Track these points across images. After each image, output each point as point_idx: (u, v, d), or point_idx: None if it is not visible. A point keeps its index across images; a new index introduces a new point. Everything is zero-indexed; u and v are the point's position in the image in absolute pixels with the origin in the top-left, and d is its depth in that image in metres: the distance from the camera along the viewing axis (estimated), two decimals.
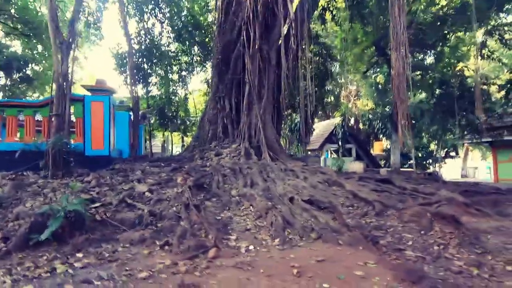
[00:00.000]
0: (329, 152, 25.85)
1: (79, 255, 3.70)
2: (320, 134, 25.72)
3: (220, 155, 8.54)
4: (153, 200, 5.42)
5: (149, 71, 13.59)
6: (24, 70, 19.87)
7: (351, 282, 2.81)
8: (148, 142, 16.81)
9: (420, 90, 13.53)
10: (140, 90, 13.85)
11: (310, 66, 11.39)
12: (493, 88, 14.49)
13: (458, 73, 11.40)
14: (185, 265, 3.26)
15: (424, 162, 19.49)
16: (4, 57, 18.26)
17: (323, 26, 13.17)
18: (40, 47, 18.07)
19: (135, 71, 11.48)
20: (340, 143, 22.31)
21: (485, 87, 12.42)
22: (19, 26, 17.28)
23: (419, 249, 4.21)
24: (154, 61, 13.28)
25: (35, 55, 18.36)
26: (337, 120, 24.16)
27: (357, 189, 6.98)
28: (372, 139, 27.59)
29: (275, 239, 4.21)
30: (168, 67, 14.68)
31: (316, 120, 31.66)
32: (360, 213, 5.84)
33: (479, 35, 12.18)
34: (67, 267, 3.33)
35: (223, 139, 9.39)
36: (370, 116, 21.04)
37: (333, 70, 16.69)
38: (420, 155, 21.43)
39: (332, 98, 28.52)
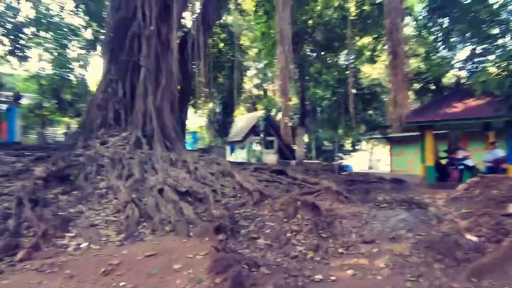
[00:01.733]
0: (253, 144, 26.35)
1: None
2: (245, 126, 26.01)
3: (106, 144, 7.70)
4: None
5: (27, 42, 11.28)
6: None
7: (159, 277, 2.61)
8: (42, 128, 14.54)
9: (322, 87, 14.56)
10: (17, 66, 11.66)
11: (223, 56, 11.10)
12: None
13: (354, 74, 12.59)
14: None
15: (334, 155, 21.23)
16: None
17: (232, 16, 13.02)
18: None
19: None
20: (262, 135, 22.83)
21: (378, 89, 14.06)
22: None
23: (272, 237, 4.32)
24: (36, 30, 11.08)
25: None
26: (260, 113, 24.69)
27: (246, 180, 7.01)
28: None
29: (120, 235, 3.83)
30: (63, 41, 12.69)
31: (245, 112, 31.99)
32: (239, 203, 5.84)
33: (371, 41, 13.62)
34: None
35: (114, 127, 8.52)
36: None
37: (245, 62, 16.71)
38: (331, 148, 23.29)
39: (257, 91, 29.09)
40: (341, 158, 21.92)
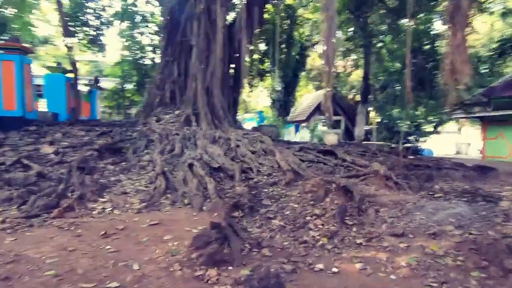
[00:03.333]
0: (319, 123, 25.34)
1: None
2: (311, 105, 25.08)
3: (160, 121, 8.37)
4: (54, 161, 5.38)
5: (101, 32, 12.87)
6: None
7: (145, 245, 2.72)
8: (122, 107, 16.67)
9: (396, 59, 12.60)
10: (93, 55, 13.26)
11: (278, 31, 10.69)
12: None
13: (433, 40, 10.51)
14: (8, 223, 3.23)
15: (409, 137, 18.81)
16: None
17: None
18: None
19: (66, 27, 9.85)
20: (326, 114, 21.69)
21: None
22: None
23: (288, 219, 4.08)
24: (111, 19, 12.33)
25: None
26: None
27: (284, 159, 6.78)
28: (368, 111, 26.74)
29: (143, 203, 4.14)
30: (137, 29, 14.04)
31: (313, 91, 30.72)
32: (271, 182, 5.71)
33: None
34: None
35: (170, 105, 9.15)
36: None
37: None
38: (408, 129, 20.72)
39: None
40: (417, 141, 19.32)
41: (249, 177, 5.85)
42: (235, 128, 8.76)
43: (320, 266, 2.94)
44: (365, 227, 3.85)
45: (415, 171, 7.38)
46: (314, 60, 23.00)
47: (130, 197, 4.37)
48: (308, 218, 4.09)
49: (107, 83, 16.54)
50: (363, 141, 14.14)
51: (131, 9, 14.27)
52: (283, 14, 13.57)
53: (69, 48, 8.44)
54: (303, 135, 22.30)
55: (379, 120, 21.62)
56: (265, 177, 6.02)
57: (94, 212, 3.76)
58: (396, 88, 13.12)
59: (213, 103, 8.90)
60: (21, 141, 5.91)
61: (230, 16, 10.84)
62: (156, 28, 15.84)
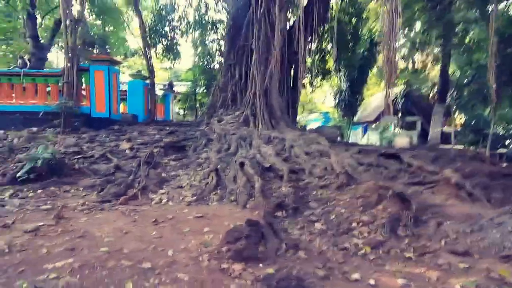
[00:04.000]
0: (390, 124, 23.37)
1: (39, 191, 4.70)
2: (380, 105, 23.30)
3: (221, 122, 8.88)
4: (128, 156, 6.22)
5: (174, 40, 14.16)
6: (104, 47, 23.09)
7: (184, 235, 2.97)
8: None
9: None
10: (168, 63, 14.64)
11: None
12: None
13: None
14: (87, 205, 3.89)
15: (503, 141, 15.91)
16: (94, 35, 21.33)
17: None
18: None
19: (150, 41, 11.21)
20: (399, 115, 19.91)
21: None
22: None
23: (332, 223, 3.92)
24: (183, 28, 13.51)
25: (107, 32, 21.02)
26: (399, 89, 21.35)
27: (339, 161, 6.51)
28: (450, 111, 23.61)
29: (194, 197, 4.48)
30: (204, 36, 15.12)
31: (382, 89, 28.49)
32: (322, 184, 5.57)
33: None
34: (17, 197, 4.34)
35: (231, 107, 9.62)
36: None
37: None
38: (503, 131, 17.59)
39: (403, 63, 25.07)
40: None
41: (300, 178, 5.80)
42: (292, 129, 8.74)
43: (356, 276, 2.76)
44: (420, 241, 3.47)
45: (503, 181, 6.27)
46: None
47: (184, 191, 4.78)
48: (354, 224, 3.88)
49: (181, 87, 18.27)
50: (441, 144, 12.52)
51: (204, 20, 15.43)
52: (350, 10, 12.96)
53: (148, 57, 9.63)
54: (372, 137, 20.85)
55: (463, 121, 18.85)
56: (316, 179, 5.88)
57: (152, 202, 4.24)
58: (485, 83, 11.24)
59: (271, 104, 9.05)
60: (107, 138, 7.00)
61: (291, 17, 10.85)
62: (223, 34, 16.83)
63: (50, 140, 6.12)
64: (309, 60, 10.50)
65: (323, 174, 6.17)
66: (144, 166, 5.38)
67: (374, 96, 25.15)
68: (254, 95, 9.21)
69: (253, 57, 9.31)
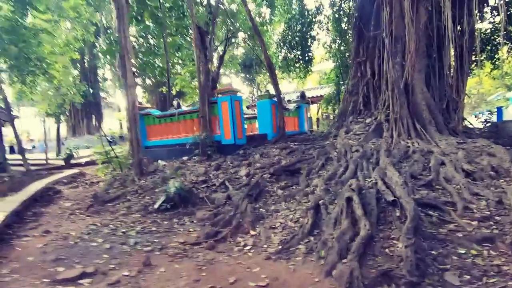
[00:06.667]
0: None
1: (165, 222, 5.45)
2: None
3: (349, 132, 7.56)
4: (243, 183, 6.29)
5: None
6: None
7: None
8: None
9: None
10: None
11: None
12: None
13: None
14: (180, 247, 4.07)
15: None
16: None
17: None
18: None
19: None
20: None
21: None
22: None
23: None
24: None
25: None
26: None
27: None
28: None
29: (279, 246, 3.83)
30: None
31: None
32: (481, 234, 3.54)
33: None
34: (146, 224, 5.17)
35: (363, 112, 8.00)
36: None
37: None
38: None
39: None
40: None
41: (444, 219, 3.93)
42: (448, 134, 6.22)
43: None
44: None
45: None
46: None
47: (274, 234, 4.21)
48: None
49: (323, 90, 17.50)
50: None
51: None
52: None
53: (271, 71, 9.76)
54: None
55: None
56: (475, 222, 3.80)
57: (235, 249, 3.94)
58: None
59: (414, 103, 6.84)
60: (230, 164, 7.45)
61: None
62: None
63: (189, 170, 7.16)
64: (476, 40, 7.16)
65: (492, 213, 3.95)
66: (246, 198, 5.21)
67: None
68: (391, 95, 7.30)
69: (385, 48, 7.40)
